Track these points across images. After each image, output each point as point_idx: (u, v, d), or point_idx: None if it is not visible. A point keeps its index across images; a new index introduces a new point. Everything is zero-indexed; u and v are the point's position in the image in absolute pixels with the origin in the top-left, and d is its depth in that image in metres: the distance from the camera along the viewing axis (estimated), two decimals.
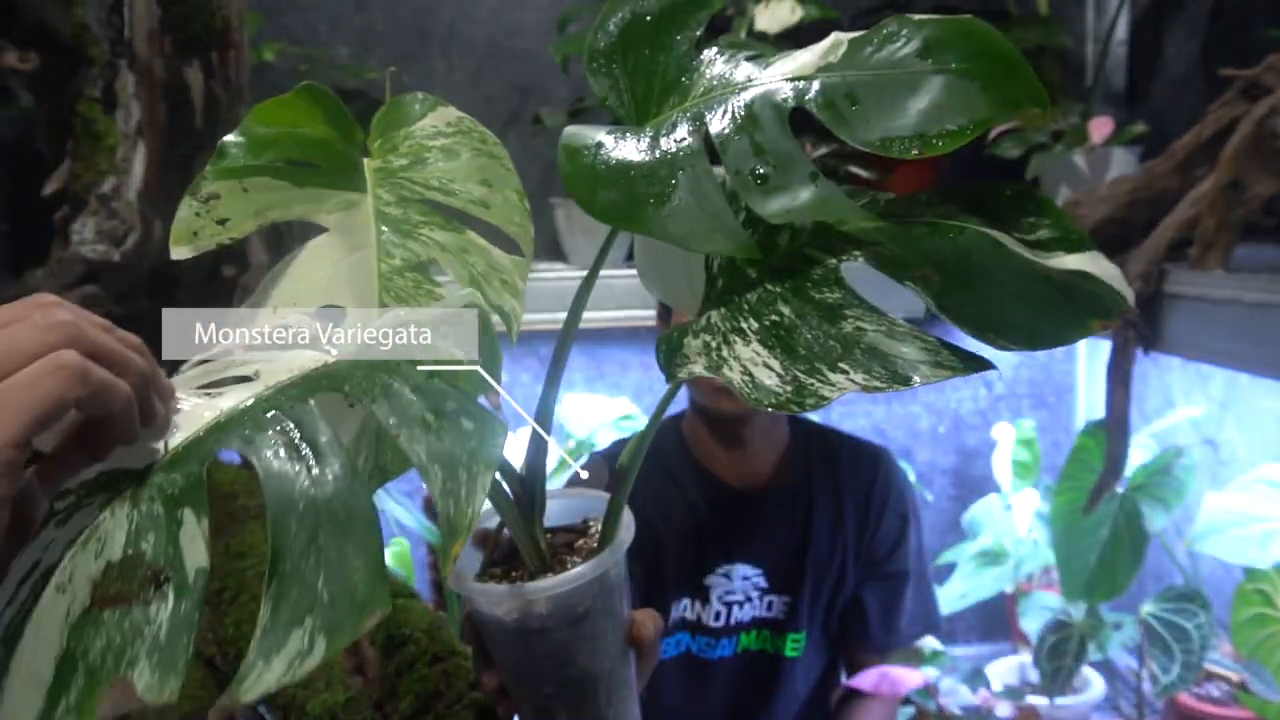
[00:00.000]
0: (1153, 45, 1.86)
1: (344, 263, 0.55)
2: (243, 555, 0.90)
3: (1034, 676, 1.62)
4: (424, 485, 1.99)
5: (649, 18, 0.60)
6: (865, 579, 1.28)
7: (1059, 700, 1.55)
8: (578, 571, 0.54)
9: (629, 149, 0.54)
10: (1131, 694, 1.61)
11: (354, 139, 0.61)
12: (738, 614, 1.26)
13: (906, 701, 1.58)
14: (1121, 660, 1.73)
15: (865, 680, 1.31)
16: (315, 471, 0.41)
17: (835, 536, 1.27)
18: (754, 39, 1.74)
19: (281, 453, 0.41)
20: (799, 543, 1.26)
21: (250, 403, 0.44)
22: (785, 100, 0.54)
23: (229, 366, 0.47)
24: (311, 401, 0.44)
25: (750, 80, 0.56)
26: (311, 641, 0.37)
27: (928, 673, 1.50)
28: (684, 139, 0.54)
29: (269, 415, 0.43)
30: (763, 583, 1.25)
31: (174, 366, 0.49)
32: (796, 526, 1.26)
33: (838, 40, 0.55)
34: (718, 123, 0.54)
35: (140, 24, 0.91)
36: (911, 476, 2.00)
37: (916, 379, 0.47)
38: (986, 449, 2.09)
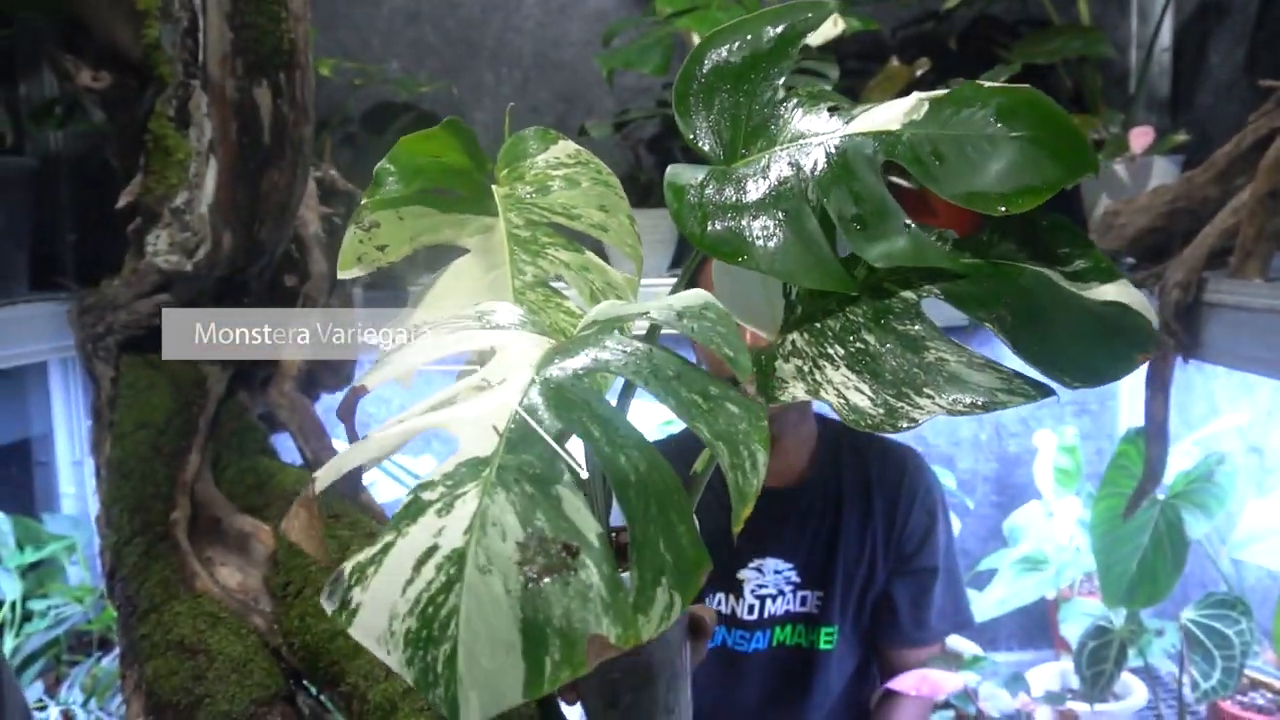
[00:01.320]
0: (1196, 53, 1.85)
1: (484, 279, 0.62)
2: (303, 553, 0.94)
3: (1075, 683, 1.63)
4: None
5: (735, 65, 0.64)
6: (895, 574, 1.31)
7: (1099, 706, 1.56)
8: None
9: (732, 189, 0.59)
10: (1173, 700, 1.60)
11: (485, 168, 0.68)
12: (771, 608, 1.29)
13: (946, 705, 1.60)
14: (1163, 666, 1.72)
15: (905, 682, 1.33)
16: (627, 448, 0.46)
17: (865, 532, 1.30)
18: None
19: (595, 431, 0.46)
20: (829, 539, 1.29)
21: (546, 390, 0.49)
22: (875, 153, 0.58)
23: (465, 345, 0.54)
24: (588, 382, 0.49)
25: (837, 131, 0.60)
26: (671, 597, 0.42)
27: (967, 677, 1.51)
28: (784, 181, 0.58)
29: (572, 399, 0.48)
30: (795, 577, 1.28)
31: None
32: (826, 522, 1.29)
33: (919, 100, 0.59)
34: (813, 168, 0.58)
35: (214, 47, 0.96)
36: (952, 484, 2.01)
37: (995, 405, 0.51)
38: (1028, 456, 2.09)
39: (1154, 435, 1.26)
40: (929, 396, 0.54)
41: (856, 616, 1.31)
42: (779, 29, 0.67)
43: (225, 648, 0.87)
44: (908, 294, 0.59)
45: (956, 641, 1.84)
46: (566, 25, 2.07)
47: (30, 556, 1.78)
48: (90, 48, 1.45)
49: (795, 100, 0.64)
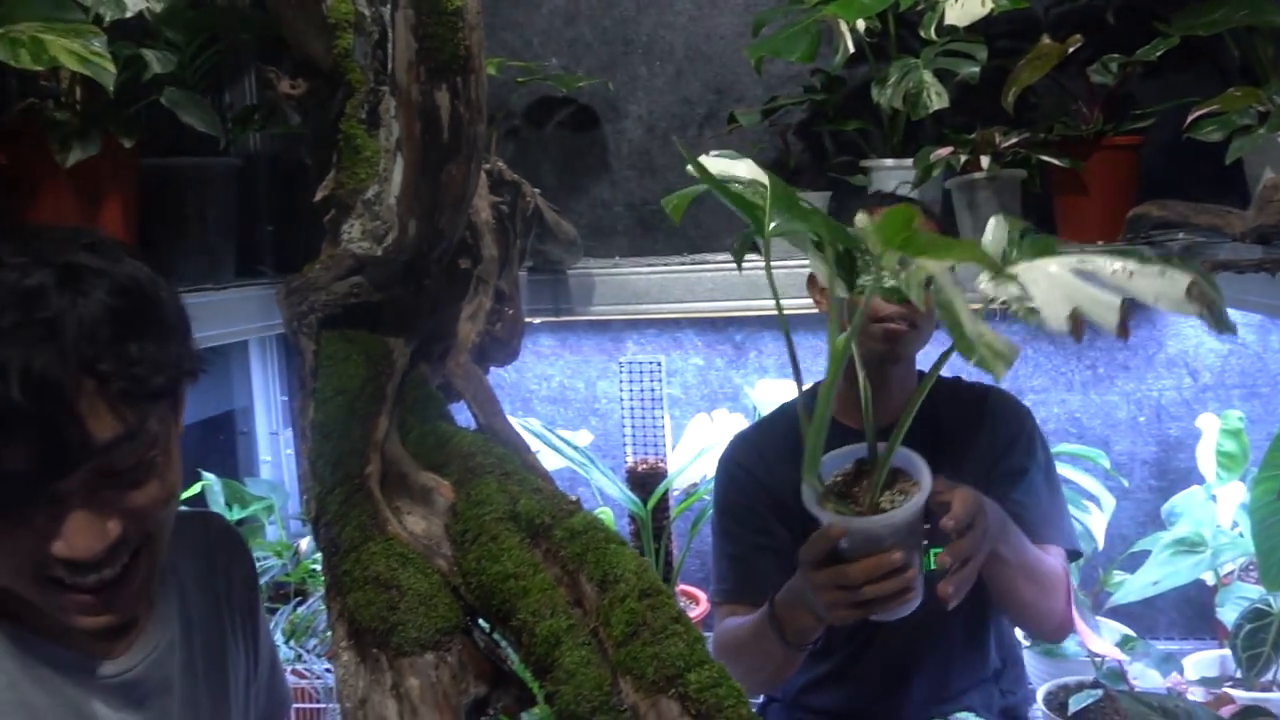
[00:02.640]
0: None
1: None
2: (481, 503, 1.05)
3: (1234, 669, 1.59)
4: (626, 460, 2.14)
5: None
6: (994, 480, 1.39)
7: (1257, 693, 1.52)
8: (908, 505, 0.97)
9: None
10: None
11: None
12: None
13: (1095, 684, 1.59)
14: None
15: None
16: None
17: (964, 461, 1.39)
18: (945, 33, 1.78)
19: None
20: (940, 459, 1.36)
21: None
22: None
23: None
24: None
25: None
26: None
27: (1119, 654, 1.51)
28: None
29: None
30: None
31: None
32: (925, 454, 1.35)
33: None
34: None
35: (401, 57, 1.08)
36: (1106, 465, 1.98)
37: None
38: (1190, 440, 2.03)
39: None
40: None
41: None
42: None
43: (414, 584, 1.00)
44: None
45: (1109, 625, 1.83)
46: (717, 19, 2.14)
47: (237, 514, 2.00)
48: (287, 58, 1.62)
49: None
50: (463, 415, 1.31)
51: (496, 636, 1.07)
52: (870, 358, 1.36)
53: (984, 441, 1.44)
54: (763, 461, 1.50)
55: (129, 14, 1.43)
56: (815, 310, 1.61)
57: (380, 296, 1.21)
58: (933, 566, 1.34)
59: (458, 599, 1.02)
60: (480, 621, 1.06)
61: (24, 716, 0.78)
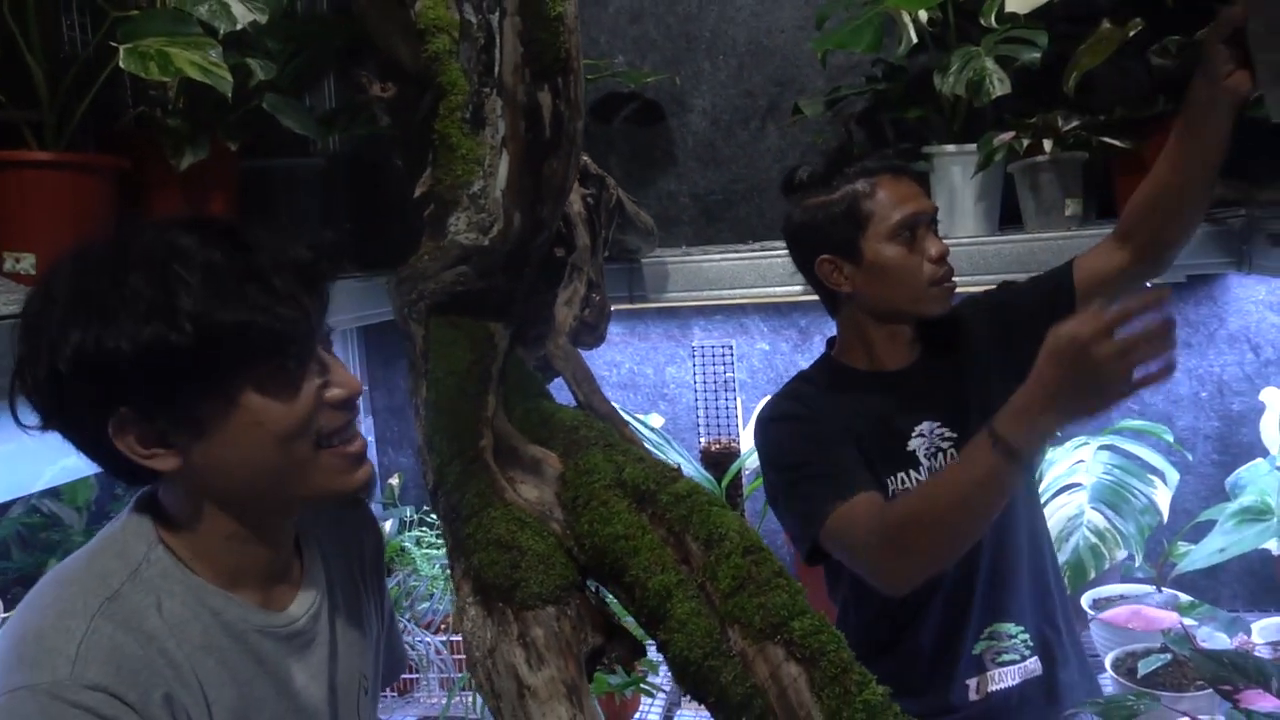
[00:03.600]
0: None
1: None
2: (589, 472, 1.14)
3: None
4: (700, 440, 2.22)
5: None
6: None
7: None
8: None
9: None
10: None
11: None
12: (937, 463, 1.44)
13: (1163, 649, 1.65)
14: None
15: (1120, 616, 1.42)
16: None
17: (982, 358, 1.47)
18: (1005, 20, 1.83)
19: None
20: (956, 382, 1.46)
21: None
22: None
23: None
24: None
25: None
26: None
27: (1187, 620, 1.56)
28: None
29: None
30: (949, 432, 1.44)
31: None
32: (950, 370, 1.47)
33: None
34: None
35: (508, 60, 1.17)
36: (1170, 439, 2.03)
37: None
38: (1254, 414, 2.07)
39: None
40: None
41: None
42: None
43: (532, 545, 1.08)
44: None
45: (1171, 594, 1.87)
46: (777, 13, 2.20)
47: None
48: (376, 62, 1.72)
49: None
50: (560, 394, 1.40)
51: (603, 596, 1.16)
52: (933, 316, 1.46)
53: (977, 344, 1.50)
54: (809, 409, 1.50)
55: (239, 26, 1.53)
56: None
57: (483, 284, 1.30)
58: None
59: (572, 561, 1.11)
60: (588, 583, 1.14)
61: (215, 657, 0.88)
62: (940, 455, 1.46)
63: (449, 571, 2.13)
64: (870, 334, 1.49)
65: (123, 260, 0.82)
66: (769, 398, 1.57)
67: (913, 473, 1.45)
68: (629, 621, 1.12)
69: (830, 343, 1.57)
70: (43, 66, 1.40)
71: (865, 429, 1.46)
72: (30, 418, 0.87)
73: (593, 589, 1.15)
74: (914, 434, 1.46)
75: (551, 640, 1.03)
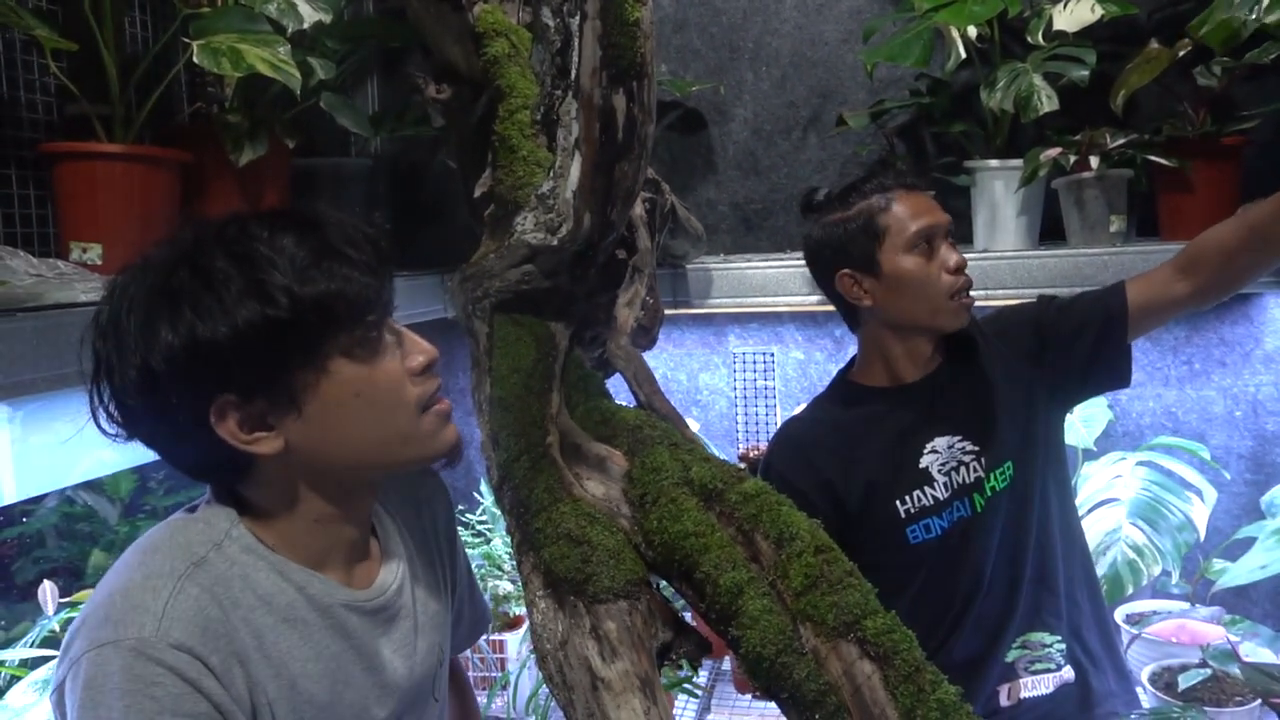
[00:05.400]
0: None
1: None
2: (656, 470, 1.15)
3: None
4: (738, 446, 2.22)
5: None
6: (1053, 340, 1.48)
7: None
8: None
9: None
10: None
11: None
12: (961, 477, 1.44)
13: (1203, 664, 1.65)
14: None
15: (1162, 630, 1.43)
16: None
17: (1012, 371, 1.47)
18: (1052, 38, 1.85)
19: None
20: (976, 391, 1.47)
21: None
22: None
23: None
24: None
25: None
26: None
27: (1228, 634, 1.57)
28: None
29: None
30: (970, 445, 1.45)
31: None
32: (971, 384, 1.48)
33: None
34: None
35: (586, 63, 1.19)
36: (1206, 457, 2.04)
37: None
38: None
39: None
40: None
41: (1028, 436, 1.46)
42: None
43: (602, 540, 1.10)
44: None
45: (1210, 610, 1.88)
46: (822, 25, 2.23)
47: None
48: (431, 65, 1.74)
49: None
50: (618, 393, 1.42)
51: (668, 593, 1.17)
52: (951, 330, 1.47)
53: (1008, 356, 1.51)
54: (802, 449, 1.53)
55: (306, 25, 1.55)
56: None
57: (548, 284, 1.32)
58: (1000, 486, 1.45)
59: (640, 557, 1.12)
60: (651, 579, 1.16)
61: (299, 630, 0.89)
62: (962, 469, 1.45)
63: (481, 570, 2.14)
64: (890, 347, 1.51)
65: (201, 251, 0.84)
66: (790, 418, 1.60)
67: (928, 489, 1.45)
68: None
69: (851, 362, 1.59)
70: (115, 61, 1.42)
71: (874, 450, 1.47)
72: (112, 427, 0.88)
73: (656, 585, 1.16)
74: (926, 450, 1.47)
75: (624, 634, 1.04)
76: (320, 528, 0.92)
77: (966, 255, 1.86)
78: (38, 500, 2.24)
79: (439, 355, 0.96)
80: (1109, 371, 1.46)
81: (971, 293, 1.45)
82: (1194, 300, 1.40)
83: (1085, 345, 1.46)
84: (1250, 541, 1.86)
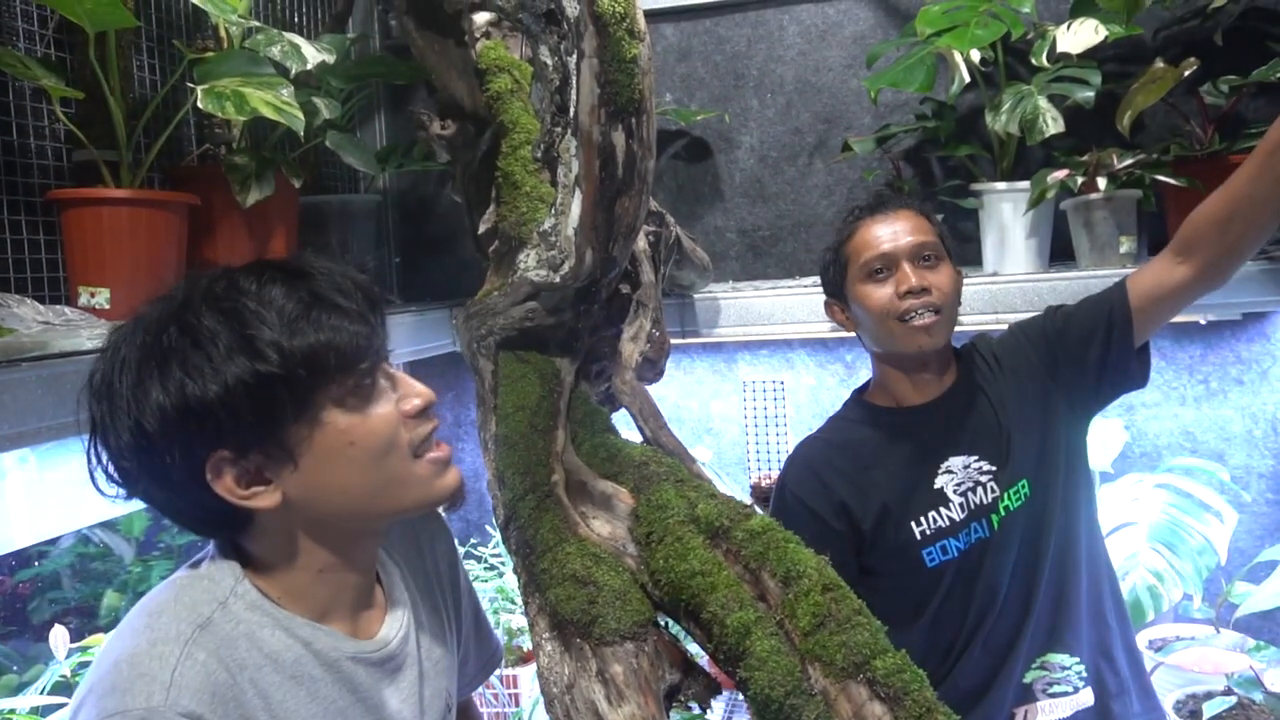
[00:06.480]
0: None
1: None
2: (662, 508, 1.14)
3: None
4: (751, 476, 2.21)
5: None
6: (1065, 357, 1.45)
7: None
8: None
9: None
10: None
11: None
12: (978, 497, 1.42)
13: (1228, 691, 1.62)
14: None
15: (1185, 658, 1.40)
16: None
17: (1027, 386, 1.46)
18: (1056, 60, 1.85)
19: None
20: (993, 413, 1.45)
21: None
22: None
23: None
24: None
25: None
26: None
27: (1253, 662, 1.54)
28: None
29: None
30: (988, 465, 1.43)
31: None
32: (980, 403, 1.46)
33: None
34: None
35: (584, 101, 1.19)
36: (1225, 478, 2.01)
37: None
38: None
39: None
40: None
41: (1045, 453, 1.44)
42: None
43: (609, 580, 1.09)
44: None
45: (1234, 637, 1.85)
46: (826, 51, 2.23)
47: None
48: (435, 102, 1.75)
49: None
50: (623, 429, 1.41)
51: (675, 632, 1.16)
52: (914, 355, 1.44)
53: (1021, 372, 1.49)
54: (817, 465, 1.51)
55: (309, 66, 1.56)
56: None
57: (552, 320, 1.32)
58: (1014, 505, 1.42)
59: (647, 596, 1.11)
60: (660, 618, 1.14)
61: (306, 687, 0.88)
62: (979, 490, 1.43)
63: (495, 604, 2.13)
64: (887, 374, 1.50)
65: (189, 308, 0.84)
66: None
67: (944, 510, 1.43)
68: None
69: (867, 383, 1.59)
70: (121, 108, 1.44)
71: (888, 471, 1.46)
72: (112, 488, 0.87)
73: (664, 624, 1.15)
74: (940, 470, 1.45)
75: (630, 677, 1.03)
76: (324, 578, 0.92)
77: (975, 279, 1.86)
78: (54, 541, 2.25)
79: (435, 398, 0.95)
80: (1123, 372, 1.44)
81: (931, 315, 1.40)
82: (1198, 282, 1.37)
83: (1095, 348, 1.44)
84: (1273, 564, 1.83)
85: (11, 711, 1.59)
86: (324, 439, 0.85)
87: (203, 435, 0.82)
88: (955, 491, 1.44)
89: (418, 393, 0.93)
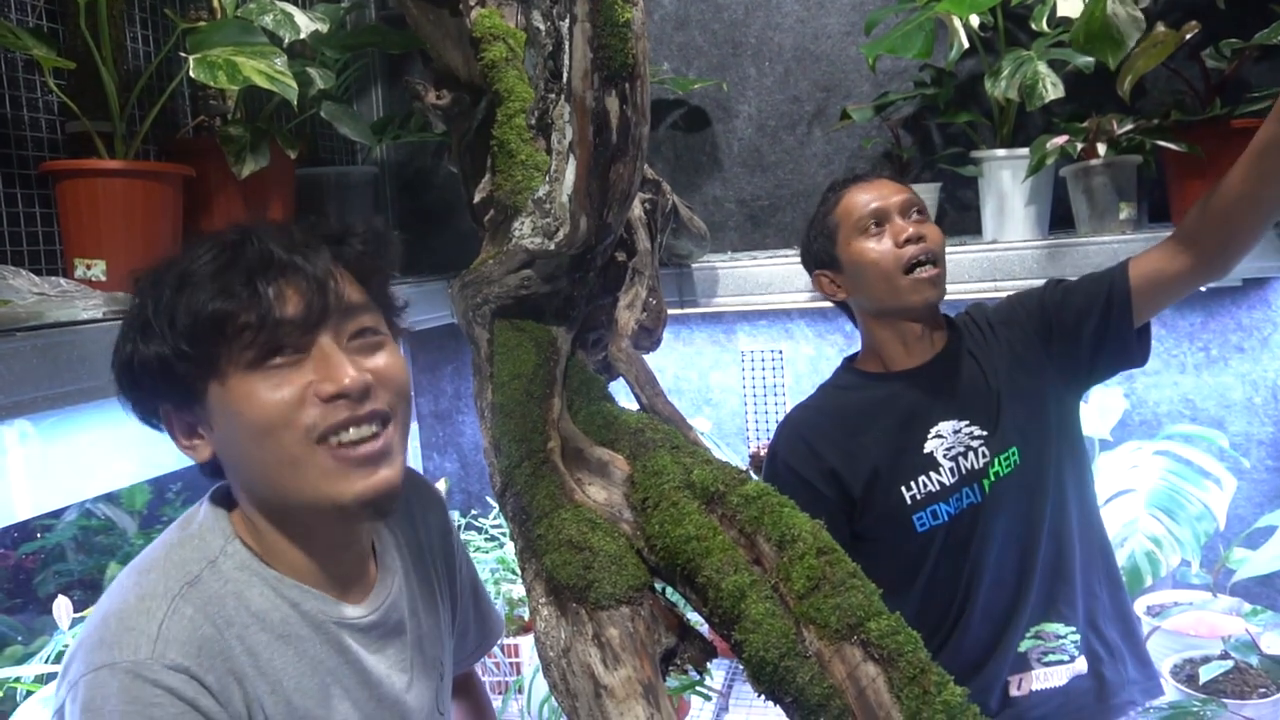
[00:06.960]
0: None
1: None
2: (658, 473, 1.15)
3: None
4: (750, 445, 2.21)
5: None
6: (1061, 323, 1.45)
7: None
8: None
9: None
10: None
11: None
12: (969, 462, 1.43)
13: (1224, 655, 1.63)
14: None
15: (1183, 623, 1.40)
16: None
17: (1018, 353, 1.46)
18: (1056, 25, 1.83)
19: None
20: (984, 379, 1.46)
21: None
22: None
23: None
24: None
25: None
26: None
27: (1249, 626, 1.55)
28: None
29: None
30: (979, 430, 1.43)
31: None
32: (976, 368, 1.47)
33: None
34: None
35: (578, 66, 1.18)
36: (1225, 445, 2.01)
37: None
38: None
39: None
40: None
41: (1037, 422, 1.45)
42: None
43: (604, 546, 1.09)
44: None
45: (1230, 601, 1.86)
46: (824, 19, 2.21)
47: None
48: (431, 71, 1.74)
49: None
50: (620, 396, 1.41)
51: (672, 597, 1.16)
52: (920, 307, 1.44)
53: (1016, 341, 1.50)
54: (805, 429, 1.53)
55: (303, 35, 1.55)
56: None
57: (548, 288, 1.31)
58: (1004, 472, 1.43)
59: (642, 561, 1.11)
60: (656, 584, 1.15)
61: (294, 646, 0.89)
62: (970, 455, 1.44)
63: (496, 575, 2.14)
64: (878, 336, 1.51)
65: (145, 277, 0.91)
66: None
67: (933, 474, 1.44)
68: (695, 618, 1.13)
69: (858, 352, 1.59)
70: (114, 78, 1.43)
71: (877, 435, 1.46)
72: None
73: (660, 589, 1.16)
74: (930, 435, 1.45)
75: (626, 640, 1.03)
76: (293, 544, 0.92)
77: (975, 246, 1.85)
78: (58, 514, 2.26)
79: (358, 388, 0.87)
80: (1119, 351, 1.44)
81: (931, 268, 1.42)
82: (1199, 272, 1.37)
83: (1090, 326, 1.44)
84: (1271, 530, 1.83)
85: (17, 680, 1.61)
86: (223, 404, 0.87)
87: (147, 389, 0.90)
88: (945, 456, 1.44)
89: (335, 377, 0.86)
